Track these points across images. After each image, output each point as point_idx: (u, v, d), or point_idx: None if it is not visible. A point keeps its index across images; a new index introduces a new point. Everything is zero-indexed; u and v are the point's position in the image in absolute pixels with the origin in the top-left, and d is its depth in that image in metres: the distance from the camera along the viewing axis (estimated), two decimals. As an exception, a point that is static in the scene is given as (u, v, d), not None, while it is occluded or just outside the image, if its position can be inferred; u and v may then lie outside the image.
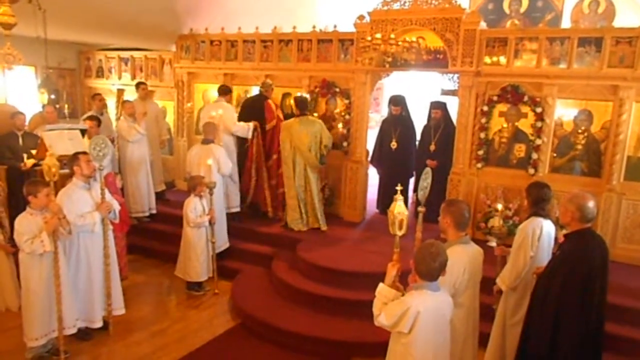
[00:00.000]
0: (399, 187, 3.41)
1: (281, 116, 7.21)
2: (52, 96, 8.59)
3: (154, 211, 7.75)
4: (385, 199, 7.64)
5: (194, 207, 5.92)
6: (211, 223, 6.01)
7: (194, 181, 5.98)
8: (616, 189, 5.88)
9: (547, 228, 3.92)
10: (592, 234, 3.50)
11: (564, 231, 3.60)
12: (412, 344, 2.97)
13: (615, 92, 5.81)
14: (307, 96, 7.22)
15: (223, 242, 6.59)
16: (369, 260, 5.80)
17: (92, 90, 10.30)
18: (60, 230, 4.28)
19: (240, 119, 7.29)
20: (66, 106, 9.18)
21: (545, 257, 3.88)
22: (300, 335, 4.96)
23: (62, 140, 6.35)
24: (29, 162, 6.49)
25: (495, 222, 4.39)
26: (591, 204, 3.41)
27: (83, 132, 6.79)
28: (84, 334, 4.85)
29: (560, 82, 6.07)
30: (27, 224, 4.21)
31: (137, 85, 8.53)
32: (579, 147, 6.11)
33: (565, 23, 8.93)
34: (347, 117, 7.39)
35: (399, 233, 3.25)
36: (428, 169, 3.93)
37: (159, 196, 8.11)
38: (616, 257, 5.81)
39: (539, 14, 9.33)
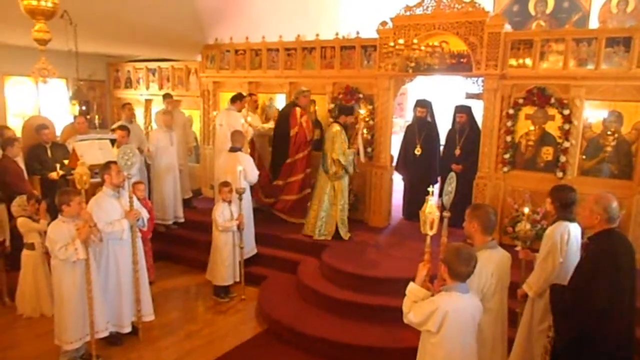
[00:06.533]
0: (430, 188, 3.43)
1: (304, 124, 7.25)
2: (83, 107, 8.85)
3: (181, 220, 7.79)
4: (410, 204, 7.61)
5: (221, 212, 6.01)
6: (239, 228, 6.08)
7: (220, 186, 6.11)
8: (648, 191, 5.74)
9: (574, 232, 3.84)
10: (617, 234, 3.44)
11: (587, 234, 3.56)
12: (440, 344, 3.05)
13: (645, 93, 5.68)
14: (352, 105, 7.26)
15: (251, 248, 6.65)
16: (394, 266, 5.79)
17: (121, 100, 10.58)
18: (91, 237, 4.40)
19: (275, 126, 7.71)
20: (96, 117, 9.47)
21: (574, 261, 3.80)
22: (327, 340, 4.97)
23: (92, 150, 6.55)
24: (59, 172, 6.69)
25: (523, 226, 4.31)
26: (615, 204, 3.40)
27: (113, 141, 6.98)
28: (115, 339, 4.97)
29: (588, 83, 5.97)
30: (59, 231, 4.33)
31: (164, 96, 8.73)
32: (609, 149, 5.98)
33: (593, 23, 8.78)
34: (371, 122, 7.40)
35: (430, 233, 3.33)
36: (452, 174, 3.90)
37: (186, 204, 8.22)
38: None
39: (565, 15, 9.21)
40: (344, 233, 6.81)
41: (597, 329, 3.29)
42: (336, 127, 6.75)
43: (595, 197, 3.46)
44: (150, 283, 6.27)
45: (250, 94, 8.16)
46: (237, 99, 7.80)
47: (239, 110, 7.76)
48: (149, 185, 7.46)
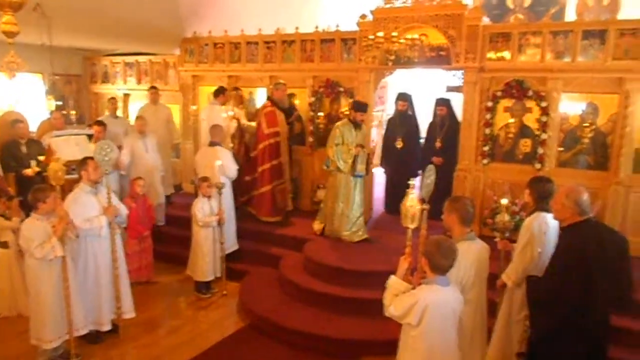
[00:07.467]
0: (411, 182, 3.44)
1: (263, 117, 7.13)
2: (59, 102, 8.70)
3: (161, 223, 7.57)
4: (392, 198, 7.62)
5: (201, 207, 5.98)
6: (220, 224, 6.04)
7: (200, 181, 6.09)
8: (624, 182, 5.84)
9: (552, 222, 3.89)
10: (592, 225, 3.48)
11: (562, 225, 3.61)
12: (421, 336, 3.07)
13: (620, 85, 5.77)
14: (366, 103, 6.69)
15: (232, 243, 6.62)
16: (376, 259, 5.81)
17: (98, 95, 10.47)
18: (67, 234, 4.32)
19: None
20: (73, 112, 9.29)
21: (552, 251, 3.85)
22: (309, 334, 4.98)
23: (68, 146, 6.45)
24: (34, 169, 6.56)
25: (501, 217, 4.37)
26: (585, 196, 3.44)
27: (90, 137, 6.87)
28: (94, 338, 4.90)
29: (565, 75, 6.04)
30: (34, 229, 4.25)
31: (149, 89, 8.63)
32: (586, 140, 6.06)
33: (570, 16, 8.87)
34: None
35: (411, 226, 3.35)
36: (431, 166, 3.92)
37: (166, 200, 8.11)
38: (625, 251, 5.77)
39: (543, 8, 9.28)
40: (329, 230, 6.56)
41: (570, 320, 3.35)
42: (338, 122, 6.54)
43: (565, 191, 3.50)
44: (147, 282, 6.37)
45: (235, 88, 8.04)
46: (219, 92, 7.72)
47: (223, 104, 7.67)
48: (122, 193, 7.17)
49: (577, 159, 6.15)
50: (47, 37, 6.89)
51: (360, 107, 6.38)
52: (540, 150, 6.22)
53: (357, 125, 6.37)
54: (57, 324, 4.43)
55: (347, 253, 6.05)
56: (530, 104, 6.29)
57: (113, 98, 8.80)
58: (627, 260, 3.49)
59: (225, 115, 7.27)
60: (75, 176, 5.19)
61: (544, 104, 6.14)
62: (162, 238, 7.45)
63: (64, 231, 4.25)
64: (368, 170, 6.56)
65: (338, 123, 6.54)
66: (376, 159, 6.63)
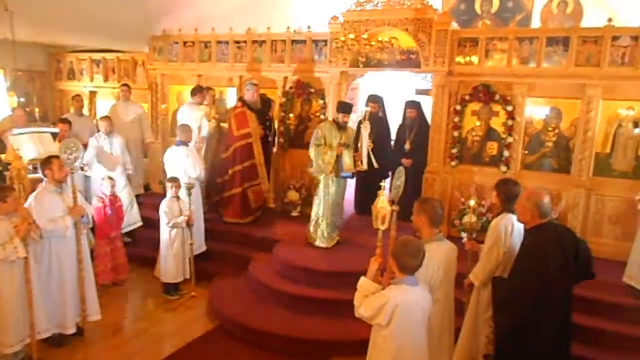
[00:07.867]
0: (382, 183, 3.48)
1: (232, 118, 7.08)
2: (22, 99, 8.44)
3: (139, 223, 7.31)
4: (361, 199, 7.67)
5: (170, 207, 5.89)
6: (189, 224, 5.97)
7: (169, 182, 5.99)
8: (585, 184, 6.03)
9: (518, 224, 3.99)
10: (552, 227, 3.59)
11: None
12: (390, 336, 3.10)
13: (582, 90, 5.95)
14: (351, 103, 6.52)
15: (199, 244, 6.53)
16: (346, 260, 5.83)
17: (63, 92, 10.20)
18: (31, 235, 4.21)
19: None
20: (37, 109, 9.02)
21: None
22: (279, 335, 4.97)
23: (31, 144, 6.26)
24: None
25: (469, 218, 4.46)
26: (547, 199, 3.55)
27: (54, 135, 6.69)
28: (58, 341, 4.78)
29: (529, 81, 6.21)
30: (-4, 230, 4.12)
31: (121, 86, 8.44)
32: (549, 144, 6.24)
33: (535, 23, 9.11)
34: (322, 117, 7.41)
35: (382, 227, 3.39)
36: (401, 168, 3.97)
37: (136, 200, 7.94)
38: (586, 251, 5.96)
39: (510, 14, 9.50)
40: (312, 237, 6.32)
41: (531, 320, 3.45)
42: (321, 123, 6.41)
43: (527, 194, 3.61)
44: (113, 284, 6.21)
45: (208, 88, 7.95)
46: (196, 91, 7.60)
47: (200, 104, 7.56)
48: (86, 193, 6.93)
49: (541, 162, 6.32)
50: (10, 32, 6.69)
51: (343, 107, 6.18)
52: (506, 153, 6.37)
53: (340, 126, 6.14)
54: (18, 328, 4.30)
55: (317, 254, 6.06)
56: (496, 107, 6.44)
57: (78, 95, 8.56)
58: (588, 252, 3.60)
59: (201, 115, 7.19)
60: (37, 175, 5.04)
61: (509, 108, 6.29)
62: (131, 238, 7.33)
63: (26, 232, 4.13)
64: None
65: (321, 124, 6.45)
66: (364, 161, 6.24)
